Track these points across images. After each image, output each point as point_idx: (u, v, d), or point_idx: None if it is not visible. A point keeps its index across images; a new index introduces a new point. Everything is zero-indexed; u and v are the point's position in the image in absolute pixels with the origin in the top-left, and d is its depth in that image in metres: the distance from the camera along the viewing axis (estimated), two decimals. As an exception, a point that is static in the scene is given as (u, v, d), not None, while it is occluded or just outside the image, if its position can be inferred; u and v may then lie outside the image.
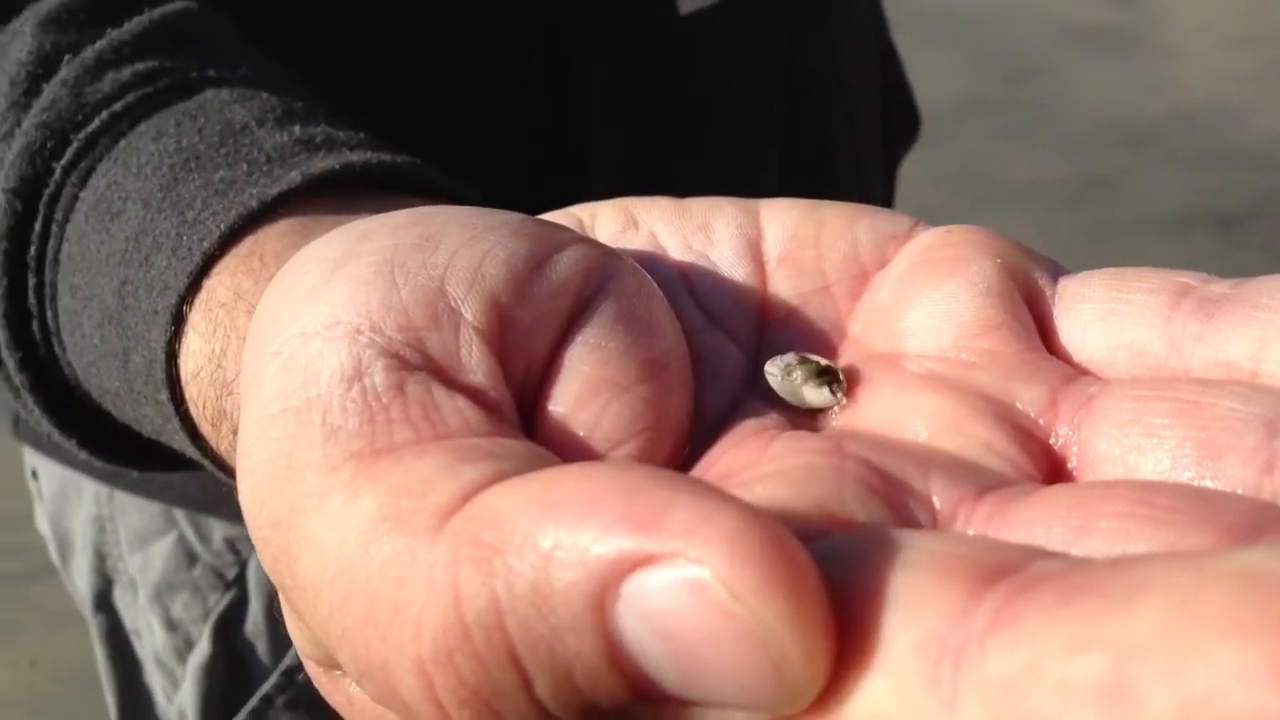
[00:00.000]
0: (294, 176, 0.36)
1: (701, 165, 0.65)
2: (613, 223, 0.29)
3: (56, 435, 0.41)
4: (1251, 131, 2.93)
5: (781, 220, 0.29)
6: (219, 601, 0.67)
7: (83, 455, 0.42)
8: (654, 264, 0.28)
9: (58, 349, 0.40)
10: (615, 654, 0.18)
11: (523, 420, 0.24)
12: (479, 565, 0.19)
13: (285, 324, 0.24)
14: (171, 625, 0.68)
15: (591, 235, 0.29)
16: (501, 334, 0.24)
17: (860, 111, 0.73)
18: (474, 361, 0.23)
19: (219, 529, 0.66)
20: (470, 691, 0.19)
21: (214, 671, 0.67)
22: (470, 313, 0.24)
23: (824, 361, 0.26)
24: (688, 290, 0.28)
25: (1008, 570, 0.18)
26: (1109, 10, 3.47)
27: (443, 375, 0.23)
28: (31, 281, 0.39)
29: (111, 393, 0.38)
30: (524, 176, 0.60)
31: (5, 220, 0.39)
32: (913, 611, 0.18)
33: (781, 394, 0.26)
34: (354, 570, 0.20)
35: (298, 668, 0.65)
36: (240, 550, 0.66)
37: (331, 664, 0.25)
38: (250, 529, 0.23)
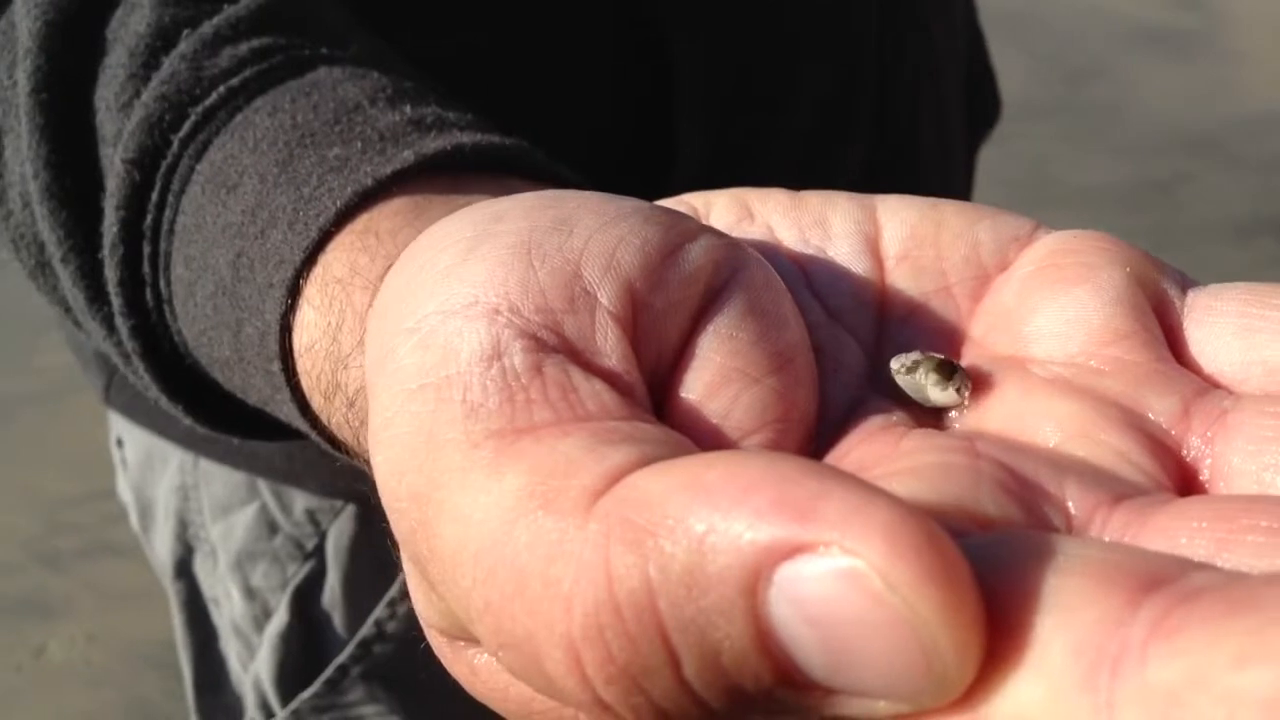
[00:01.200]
0: (407, 156, 0.36)
1: (781, 149, 0.65)
2: (728, 213, 0.29)
3: (164, 402, 0.42)
4: (1317, 138, 2.88)
5: (900, 217, 0.29)
6: (297, 571, 0.68)
7: (186, 421, 0.43)
8: (773, 256, 0.28)
9: (169, 317, 0.40)
10: (764, 639, 0.19)
11: (654, 405, 0.24)
12: (631, 546, 0.19)
13: (421, 301, 0.24)
14: (250, 593, 0.69)
15: (706, 222, 0.29)
16: (635, 319, 0.24)
17: (948, 96, 0.73)
18: (609, 345, 0.24)
19: (300, 500, 0.67)
20: (619, 668, 0.20)
21: (290, 640, 0.68)
22: (606, 297, 0.24)
23: (949, 359, 0.26)
24: (807, 285, 0.28)
25: (1164, 580, 0.18)
26: (1172, 12, 3.43)
27: (579, 358, 0.23)
28: (146, 250, 0.40)
29: (221, 362, 0.39)
30: (615, 160, 0.60)
31: (123, 189, 0.40)
32: (1068, 615, 0.18)
33: (906, 390, 0.26)
34: (500, 546, 0.21)
35: (374, 639, 0.66)
36: (320, 521, 0.67)
37: (458, 635, 0.25)
38: (386, 500, 0.23)
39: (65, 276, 0.42)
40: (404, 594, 0.65)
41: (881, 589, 0.18)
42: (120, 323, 0.41)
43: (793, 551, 0.18)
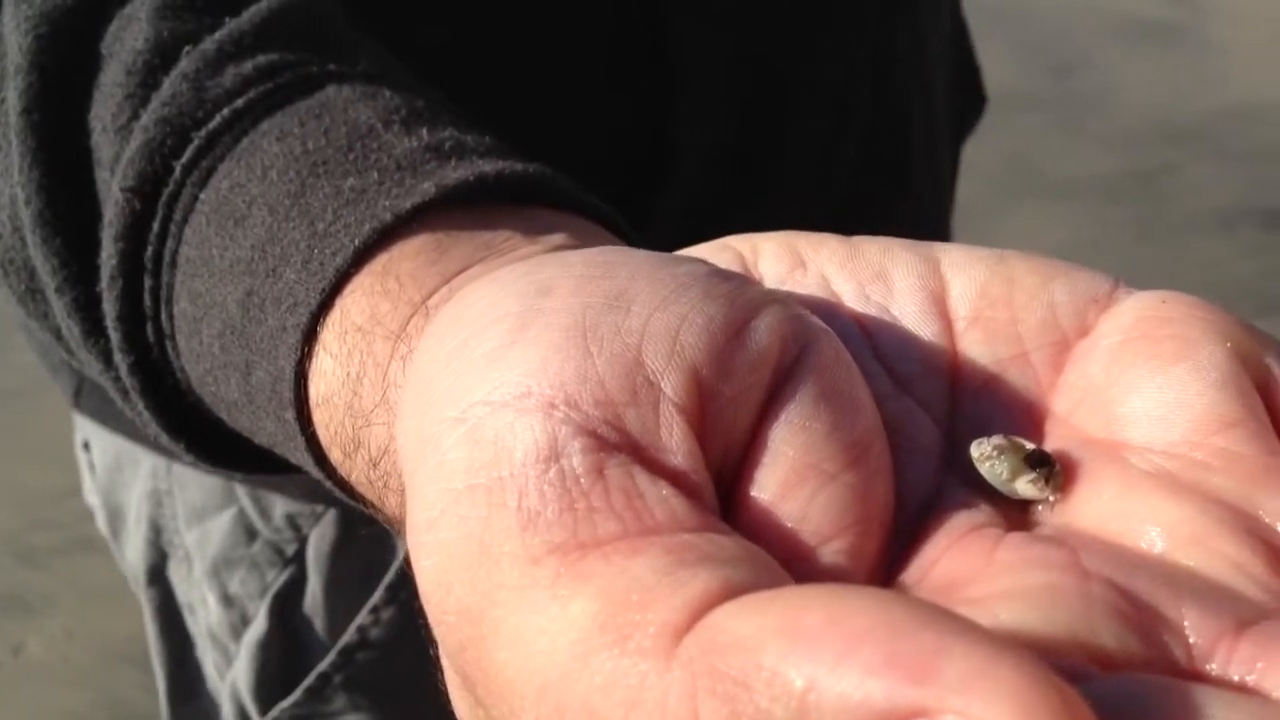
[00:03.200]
0: (427, 188, 0.34)
1: (786, 139, 0.63)
2: (779, 262, 0.27)
3: (164, 439, 0.40)
4: (1301, 128, 2.89)
5: (968, 273, 0.27)
6: (277, 578, 0.66)
7: (188, 459, 0.41)
8: (833, 316, 0.26)
9: (171, 354, 0.38)
10: None
11: (720, 504, 0.22)
12: (723, 700, 0.18)
13: (468, 387, 0.22)
14: (228, 601, 0.67)
15: (755, 273, 0.27)
16: (702, 411, 0.23)
17: (935, 91, 0.72)
18: (675, 441, 0.22)
19: (280, 505, 0.65)
20: None
21: (270, 648, 0.66)
22: (670, 387, 0.22)
23: (1036, 448, 0.24)
24: (872, 350, 0.26)
25: None
26: (1158, 4, 3.43)
27: (643, 456, 0.22)
28: (147, 284, 0.38)
29: (229, 403, 0.37)
30: (615, 161, 0.59)
31: (122, 219, 0.38)
32: None
33: (988, 479, 0.24)
34: (569, 684, 0.19)
35: (356, 646, 0.65)
36: (300, 527, 0.66)
37: None
38: (432, 612, 0.22)
39: (59, 307, 0.40)
40: (388, 600, 0.64)
41: None
42: (119, 358, 0.39)
43: (910, 716, 0.16)
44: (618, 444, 0.21)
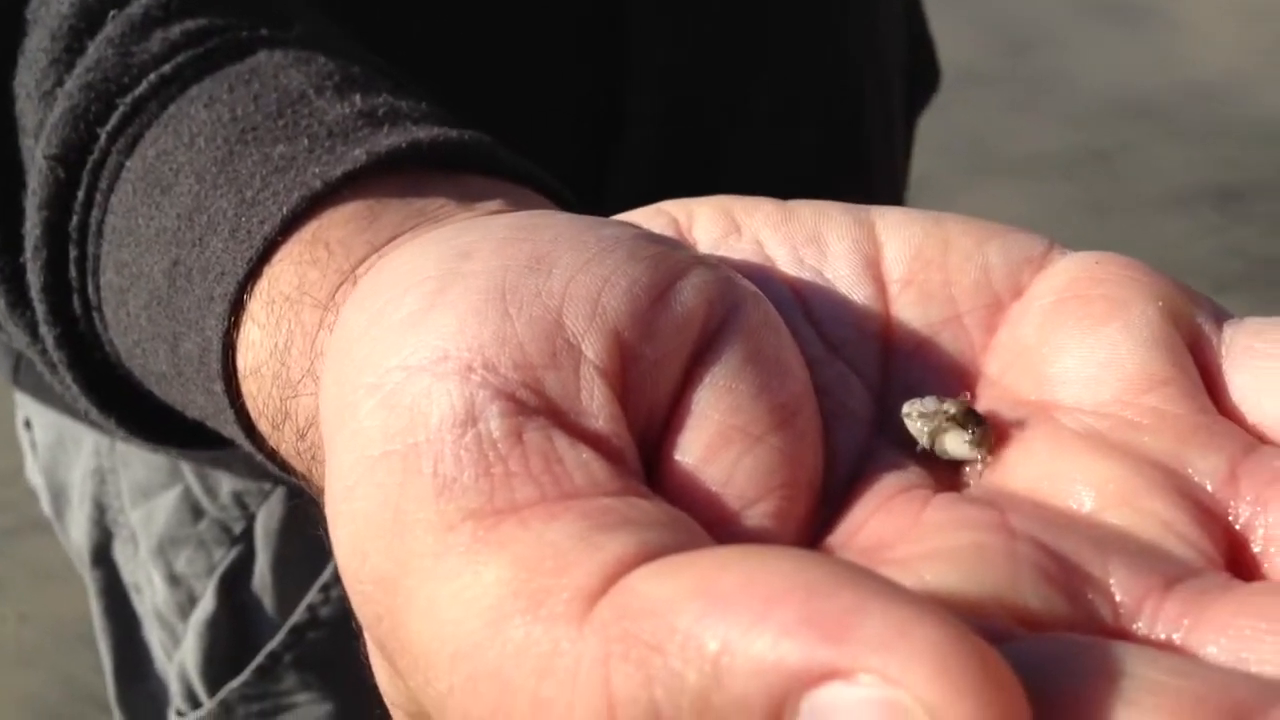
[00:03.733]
0: (359, 155, 0.33)
1: (737, 113, 0.63)
2: (713, 226, 0.27)
3: (94, 414, 0.39)
4: (1256, 106, 2.91)
5: (902, 235, 0.27)
6: (224, 557, 0.65)
7: (120, 434, 0.40)
8: (766, 281, 0.26)
9: (99, 326, 0.38)
10: None
11: (644, 469, 0.22)
12: (635, 665, 0.17)
13: (384, 352, 0.22)
14: (174, 580, 0.66)
15: (689, 238, 0.27)
16: (624, 373, 0.22)
17: (888, 63, 0.71)
18: (596, 405, 0.21)
19: (226, 483, 0.64)
20: None
21: (218, 628, 0.65)
22: (591, 349, 0.22)
23: (967, 408, 0.24)
24: (804, 314, 0.26)
25: (1249, 716, 0.16)
26: (1115, -18, 3.45)
27: (563, 420, 0.21)
28: (73, 254, 0.37)
29: (157, 375, 0.36)
30: (568, 129, 0.58)
31: (47, 188, 0.37)
32: None
33: (919, 440, 0.24)
34: (481, 651, 0.19)
35: (306, 625, 0.64)
36: (248, 504, 0.65)
37: None
38: (348, 580, 0.21)
39: None
40: (338, 578, 0.63)
41: None
42: (45, 330, 0.38)
43: (824, 678, 0.16)
44: (537, 407, 0.21)
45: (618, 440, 0.21)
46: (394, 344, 0.22)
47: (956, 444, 0.24)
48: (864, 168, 0.69)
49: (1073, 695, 0.17)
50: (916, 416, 0.24)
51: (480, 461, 0.20)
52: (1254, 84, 2.99)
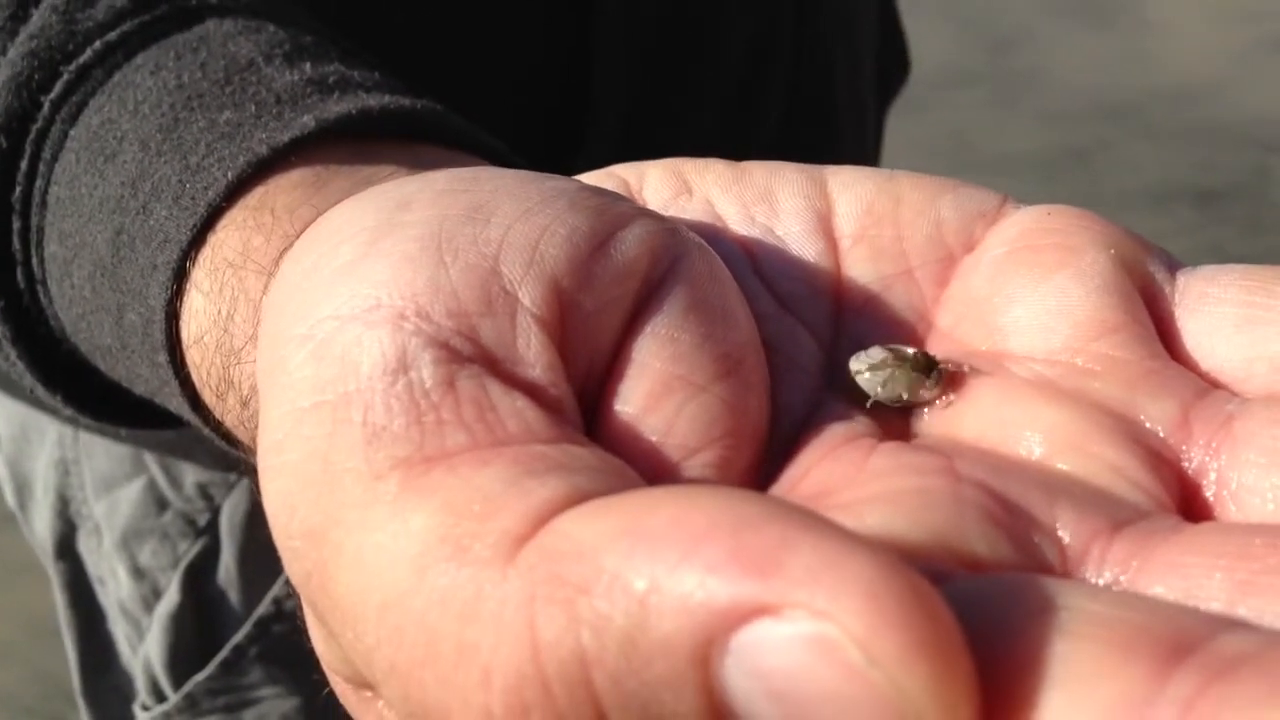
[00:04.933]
0: (307, 121, 0.33)
1: (703, 101, 0.63)
2: (664, 187, 0.26)
3: (40, 390, 0.39)
4: (1233, 108, 2.92)
5: (854, 192, 0.26)
6: (189, 549, 0.64)
7: (67, 411, 0.39)
8: (716, 238, 0.25)
9: (44, 299, 0.37)
10: (720, 715, 0.16)
11: (584, 420, 0.22)
12: (560, 607, 0.17)
13: (316, 303, 0.21)
14: (139, 573, 0.66)
15: (640, 200, 0.26)
16: (562, 322, 0.22)
17: (861, 50, 0.71)
18: (533, 353, 0.21)
19: (191, 474, 0.64)
20: None
21: (183, 621, 0.65)
22: (528, 297, 0.21)
23: (922, 352, 0.24)
24: (754, 270, 0.25)
25: (1191, 645, 0.15)
26: (1094, -18, 3.46)
27: (498, 368, 0.21)
28: (16, 225, 0.36)
29: (103, 349, 0.35)
30: (536, 111, 0.58)
31: None
32: (1081, 691, 0.15)
33: (868, 391, 0.24)
34: (406, 600, 0.18)
35: (272, 618, 0.64)
36: (213, 496, 0.64)
37: (363, 684, 0.23)
38: (277, 537, 0.21)
39: None
40: None
41: (859, 661, 0.15)
42: None
43: (752, 614, 0.16)
44: (471, 355, 0.20)
45: (554, 389, 0.21)
46: (326, 294, 0.21)
47: (913, 389, 0.23)
48: (834, 145, 0.69)
49: (1009, 628, 0.16)
50: (864, 367, 0.24)
51: (411, 409, 0.19)
52: (1230, 86, 3.00)
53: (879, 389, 0.24)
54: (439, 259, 0.21)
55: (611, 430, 0.22)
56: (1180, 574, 0.19)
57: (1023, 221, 0.26)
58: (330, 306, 0.21)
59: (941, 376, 0.23)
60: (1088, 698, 0.15)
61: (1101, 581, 0.19)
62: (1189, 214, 2.62)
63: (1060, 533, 0.20)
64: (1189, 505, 0.21)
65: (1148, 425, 0.22)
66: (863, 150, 0.73)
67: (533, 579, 0.17)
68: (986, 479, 0.21)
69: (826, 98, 0.68)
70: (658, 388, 0.22)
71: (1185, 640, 0.15)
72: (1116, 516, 0.20)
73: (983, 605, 0.17)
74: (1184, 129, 2.87)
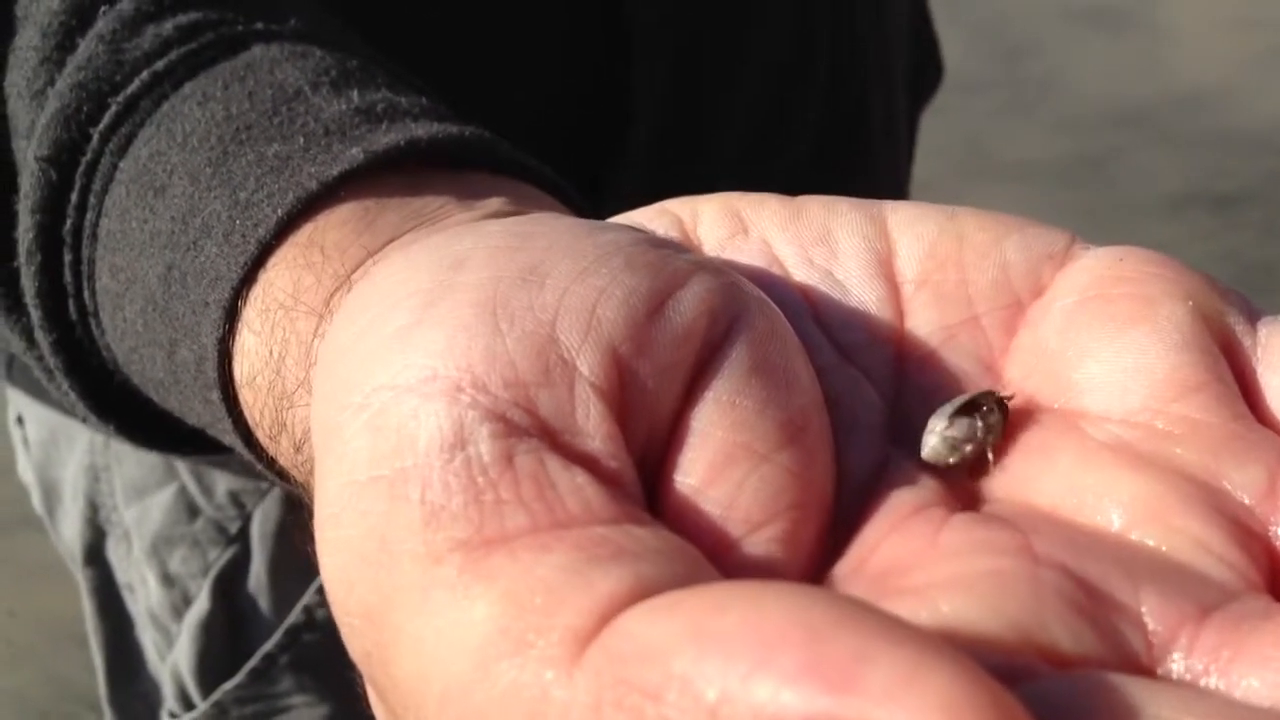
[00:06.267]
0: (355, 154, 0.32)
1: (738, 103, 0.62)
2: (719, 226, 0.26)
3: (92, 421, 0.38)
4: (1248, 114, 2.92)
5: (915, 232, 0.25)
6: (220, 556, 0.64)
7: (120, 441, 0.39)
8: (774, 286, 0.24)
9: (95, 331, 0.37)
10: None
11: (645, 492, 0.21)
12: (629, 714, 0.16)
13: (370, 371, 0.21)
14: (168, 580, 0.65)
15: (694, 238, 0.25)
16: (621, 390, 0.21)
17: (894, 62, 0.71)
18: (592, 424, 0.20)
19: (222, 481, 0.64)
20: None
21: (212, 629, 0.64)
22: (586, 366, 0.21)
23: (997, 396, 0.23)
24: (814, 318, 0.25)
25: None
26: (1108, -11, 3.45)
27: (556, 441, 0.20)
28: (68, 258, 0.36)
29: (155, 382, 0.35)
30: (568, 127, 0.58)
31: (39, 191, 0.36)
32: None
33: (932, 461, 0.23)
34: (469, 693, 0.18)
35: (302, 626, 0.63)
36: (244, 503, 0.64)
37: None
38: (336, 612, 0.20)
39: None
40: None
41: None
42: (41, 336, 0.37)
43: None
44: (529, 428, 0.20)
45: (615, 462, 0.20)
46: (381, 362, 0.21)
47: (996, 431, 0.22)
48: (868, 153, 0.68)
49: None
50: (938, 438, 0.23)
51: (469, 488, 0.19)
52: (1244, 92, 3.00)
53: (939, 457, 0.23)
54: (495, 326, 0.21)
55: (673, 503, 0.21)
56: (1275, 668, 0.18)
57: (1094, 268, 0.25)
58: (386, 375, 0.20)
59: (996, 421, 0.23)
60: None
61: (1191, 674, 0.19)
62: (1204, 220, 2.61)
63: (1146, 619, 0.19)
64: (1278, 578, 0.21)
65: (1233, 494, 0.21)
66: (894, 154, 0.72)
67: (600, 684, 0.17)
68: (1065, 560, 0.20)
69: (860, 112, 0.68)
70: (720, 458, 0.21)
71: None
72: (1203, 599, 0.19)
73: (1065, 711, 0.16)
74: (1198, 135, 2.86)
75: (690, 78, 0.60)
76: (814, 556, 0.21)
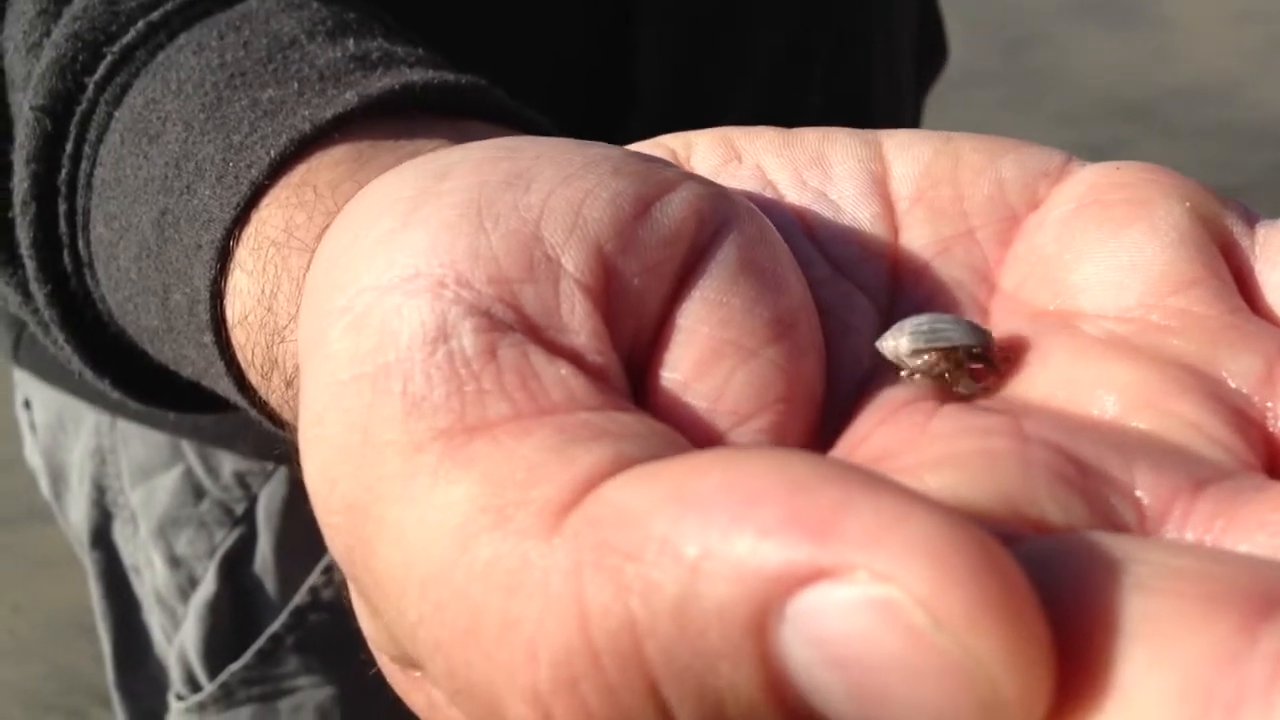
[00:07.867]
0: (349, 97, 0.33)
1: (745, 85, 0.63)
2: (712, 154, 0.26)
3: (88, 374, 0.38)
4: (1251, 107, 2.92)
5: (910, 154, 0.25)
6: (226, 538, 0.65)
7: (115, 395, 0.39)
8: (767, 204, 0.24)
9: (90, 282, 0.37)
10: (778, 686, 0.15)
11: (632, 390, 0.21)
12: (609, 575, 0.16)
13: (355, 274, 0.21)
14: (175, 562, 0.66)
15: (687, 169, 0.25)
16: (607, 288, 0.21)
17: (899, 38, 0.71)
18: (577, 320, 0.20)
19: (228, 462, 0.64)
20: None
21: (219, 610, 0.65)
22: (571, 262, 0.21)
23: (966, 348, 0.22)
24: (808, 235, 0.25)
25: None
26: (1110, -19, 3.45)
27: (540, 336, 0.20)
28: (62, 208, 0.36)
29: (150, 331, 0.35)
30: (579, 93, 0.58)
31: (34, 140, 0.36)
32: (1164, 648, 0.14)
33: (906, 369, 0.22)
34: (449, 573, 0.17)
35: (308, 607, 0.63)
36: (250, 485, 0.64)
37: (410, 663, 0.22)
38: (318, 512, 0.20)
39: None
40: None
41: (924, 624, 0.14)
42: (36, 288, 0.37)
43: (810, 578, 0.15)
44: (513, 323, 0.20)
45: (600, 356, 0.20)
46: (365, 265, 0.21)
47: (957, 384, 0.22)
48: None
49: (1084, 585, 0.15)
50: (907, 353, 0.22)
51: (452, 379, 0.19)
52: (1246, 84, 2.99)
53: (917, 374, 0.22)
54: (479, 225, 0.21)
55: (659, 398, 0.21)
56: (1270, 531, 0.18)
57: (1090, 178, 0.25)
58: (369, 277, 0.21)
59: (996, 364, 0.22)
60: (1172, 654, 0.14)
61: (1186, 540, 0.19)
62: (1207, 213, 2.62)
63: (1138, 492, 0.19)
64: (1276, 464, 0.20)
65: (1230, 382, 0.21)
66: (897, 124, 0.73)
67: (579, 547, 0.16)
68: (1057, 439, 0.20)
69: (862, 87, 0.68)
70: (707, 353, 0.21)
71: (1277, 594, 0.15)
72: (1198, 475, 0.19)
73: (1055, 564, 0.16)
74: (1202, 128, 2.86)
75: (695, 54, 0.60)
76: (803, 449, 0.21)
